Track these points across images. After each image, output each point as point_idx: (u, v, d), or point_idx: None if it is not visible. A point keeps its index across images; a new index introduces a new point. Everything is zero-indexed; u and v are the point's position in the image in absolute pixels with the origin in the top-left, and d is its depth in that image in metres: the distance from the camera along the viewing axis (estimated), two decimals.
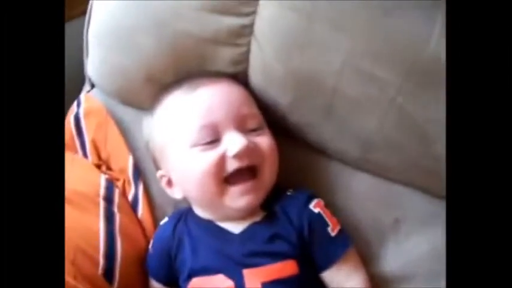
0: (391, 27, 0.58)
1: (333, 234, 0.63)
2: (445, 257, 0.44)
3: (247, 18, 0.64)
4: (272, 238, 0.62)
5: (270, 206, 0.65)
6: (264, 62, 0.66)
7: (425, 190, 0.67)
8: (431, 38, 0.57)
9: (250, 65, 0.67)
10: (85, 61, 0.83)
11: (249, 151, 0.61)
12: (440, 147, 0.61)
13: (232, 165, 0.61)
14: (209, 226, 0.66)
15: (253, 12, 0.64)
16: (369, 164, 0.68)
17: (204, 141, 0.62)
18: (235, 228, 0.64)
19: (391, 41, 0.59)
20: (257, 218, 0.65)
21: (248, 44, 0.66)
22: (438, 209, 0.65)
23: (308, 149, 0.72)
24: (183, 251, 0.65)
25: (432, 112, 0.61)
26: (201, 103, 0.63)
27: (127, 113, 0.79)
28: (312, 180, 0.70)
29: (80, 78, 0.87)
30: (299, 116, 0.68)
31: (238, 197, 0.62)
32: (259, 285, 0.60)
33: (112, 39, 0.73)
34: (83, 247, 0.63)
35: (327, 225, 0.64)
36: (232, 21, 0.64)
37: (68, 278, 0.59)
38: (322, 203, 0.65)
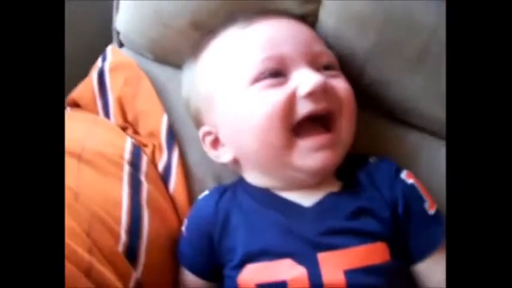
0: None
1: (431, 212, 0.49)
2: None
3: None
4: (357, 213, 0.48)
5: (348, 174, 0.51)
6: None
7: None
8: None
9: (322, 4, 0.55)
10: (114, 17, 0.71)
11: (326, 91, 0.47)
12: None
13: (304, 108, 0.47)
14: (269, 197, 0.51)
15: None
16: None
17: (267, 74, 0.48)
18: (306, 200, 0.50)
19: None
20: (334, 188, 0.50)
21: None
22: None
23: (384, 117, 0.58)
24: (231, 231, 0.50)
25: None
26: (263, 34, 0.50)
27: (162, 72, 0.66)
28: (389, 152, 0.56)
29: (103, 42, 0.76)
30: (380, 68, 0.55)
31: (310, 153, 0.47)
32: (342, 275, 0.45)
33: None
34: (101, 216, 0.49)
35: (424, 200, 0.49)
36: None
37: (82, 253, 0.44)
38: (412, 174, 0.51)
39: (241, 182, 0.54)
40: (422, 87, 0.54)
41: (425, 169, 0.56)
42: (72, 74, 0.75)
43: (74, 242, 0.44)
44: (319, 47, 0.51)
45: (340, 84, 0.50)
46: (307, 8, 0.56)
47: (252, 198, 0.51)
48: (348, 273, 0.45)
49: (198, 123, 0.56)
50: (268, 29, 0.51)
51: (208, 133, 0.54)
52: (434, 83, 0.53)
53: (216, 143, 0.53)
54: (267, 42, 0.49)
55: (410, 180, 0.50)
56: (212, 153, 0.54)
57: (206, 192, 0.56)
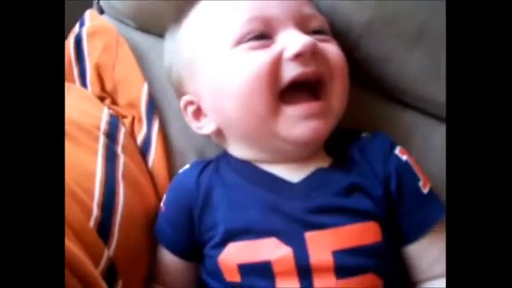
0: None
1: (425, 191, 0.46)
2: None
3: None
4: (348, 190, 0.45)
5: (339, 149, 0.48)
6: None
7: None
8: None
9: None
10: None
11: (315, 54, 0.44)
12: None
13: (291, 71, 0.43)
14: (255, 172, 0.48)
15: None
16: None
17: (252, 36, 0.44)
18: (293, 175, 0.47)
19: None
20: (324, 164, 0.47)
21: None
22: None
23: (379, 95, 0.55)
24: (212, 207, 0.47)
25: None
26: None
27: (144, 40, 0.62)
28: (383, 130, 0.53)
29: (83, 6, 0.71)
30: (376, 44, 0.52)
31: (297, 122, 0.44)
32: (330, 255, 0.42)
33: None
34: (72, 188, 0.45)
35: (418, 179, 0.46)
36: None
37: None
38: (406, 151, 0.48)
39: (224, 155, 0.51)
40: (420, 66, 0.51)
41: (420, 148, 0.53)
42: None
43: None
44: (308, 9, 0.47)
45: (332, 49, 0.46)
46: None
47: (236, 173, 0.48)
48: (336, 253, 0.42)
49: (180, 92, 0.52)
50: None
51: (190, 102, 0.50)
52: (432, 62, 0.50)
53: (198, 113, 0.50)
54: (252, 3, 0.45)
55: (405, 157, 0.47)
56: (194, 124, 0.51)
57: (187, 166, 0.52)
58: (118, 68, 0.59)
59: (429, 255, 0.45)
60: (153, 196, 0.54)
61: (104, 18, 0.66)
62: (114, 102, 0.59)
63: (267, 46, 0.44)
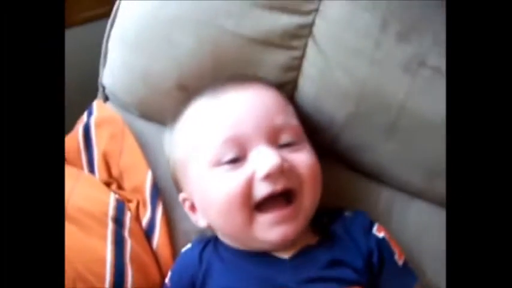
0: None
1: (400, 263, 0.53)
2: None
3: (306, 17, 0.57)
4: (333, 263, 0.51)
5: (325, 227, 0.54)
6: (322, 69, 0.58)
7: None
8: None
9: (302, 73, 0.59)
10: (101, 71, 0.74)
11: (284, 171, 0.50)
12: None
13: (262, 190, 0.49)
14: (248, 252, 0.53)
15: (315, 10, 0.57)
16: (432, 192, 0.59)
17: (227, 159, 0.51)
18: (284, 253, 0.53)
19: None
20: (311, 241, 0.53)
21: (304, 47, 0.58)
22: None
23: (358, 174, 0.62)
24: (212, 282, 0.52)
25: None
26: (224, 112, 0.53)
27: (147, 128, 0.68)
28: (362, 208, 0.60)
29: (89, 93, 0.78)
30: (355, 135, 0.59)
31: (269, 228, 0.50)
32: None
33: (141, 37, 0.64)
34: (84, 275, 0.50)
35: (393, 253, 0.53)
36: (288, 20, 0.57)
37: None
38: (383, 227, 0.55)
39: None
40: (394, 154, 0.58)
41: (397, 221, 0.60)
42: None
43: None
44: (281, 120, 0.53)
45: (301, 160, 0.52)
46: (286, 77, 0.60)
47: (232, 253, 0.54)
48: None
49: (177, 187, 0.58)
50: (231, 105, 0.53)
51: (186, 199, 0.57)
52: (405, 151, 0.57)
53: (193, 208, 0.56)
54: (228, 121, 0.52)
55: (381, 234, 0.54)
56: (191, 217, 0.57)
57: (189, 245, 0.58)
58: (124, 156, 0.64)
59: None
60: (158, 275, 0.58)
61: (110, 106, 0.73)
62: (120, 187, 0.64)
63: (240, 167, 0.50)
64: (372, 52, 0.54)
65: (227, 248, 0.55)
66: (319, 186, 0.54)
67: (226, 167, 0.51)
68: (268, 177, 0.49)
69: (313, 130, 0.59)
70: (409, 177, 0.59)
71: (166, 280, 0.56)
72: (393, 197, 0.62)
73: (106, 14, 0.75)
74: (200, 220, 0.56)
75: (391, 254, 0.53)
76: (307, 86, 0.59)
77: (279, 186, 0.49)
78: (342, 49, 0.56)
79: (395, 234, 0.58)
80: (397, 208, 0.62)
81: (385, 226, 0.57)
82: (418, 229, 0.60)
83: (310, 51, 0.58)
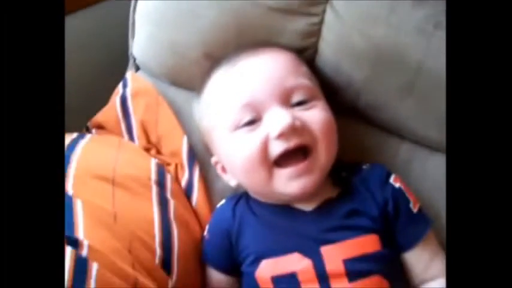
0: None
1: (415, 210, 0.58)
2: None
3: None
4: (351, 213, 0.57)
5: (345, 180, 0.60)
6: (340, 34, 0.61)
7: None
8: None
9: (322, 38, 0.62)
10: (130, 42, 0.78)
11: (296, 129, 0.54)
12: None
13: (277, 148, 0.54)
14: (275, 206, 0.59)
15: None
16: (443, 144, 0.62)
17: (244, 122, 0.56)
18: (307, 206, 0.59)
19: None
20: (332, 194, 0.59)
21: (322, 13, 0.61)
22: None
23: (378, 129, 0.66)
24: (246, 233, 0.59)
25: None
26: (238, 80, 0.57)
27: (178, 95, 0.73)
28: (383, 161, 0.64)
29: (121, 63, 0.82)
30: (374, 95, 0.62)
31: (288, 181, 0.55)
32: (341, 263, 0.54)
33: (167, 13, 0.68)
34: (139, 234, 0.57)
35: (409, 201, 0.58)
36: None
37: (127, 269, 0.52)
38: (399, 178, 0.60)
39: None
40: (412, 111, 0.61)
41: (419, 176, 0.64)
42: (90, 92, 0.83)
43: (120, 260, 0.52)
44: (292, 81, 0.56)
45: (314, 117, 0.56)
46: (306, 42, 0.63)
47: (261, 207, 0.60)
48: (346, 262, 0.54)
49: (209, 151, 0.64)
50: (245, 73, 0.57)
51: (217, 162, 0.63)
52: (423, 108, 0.61)
53: (224, 169, 0.62)
54: (243, 89, 0.57)
55: (398, 184, 0.59)
56: (224, 177, 0.63)
57: (223, 202, 0.64)
58: (160, 123, 0.70)
59: (422, 261, 0.58)
60: (199, 230, 0.65)
61: (140, 74, 0.78)
62: (158, 152, 0.70)
63: (256, 129, 0.55)
64: (387, 16, 0.57)
65: (257, 202, 0.61)
66: (334, 141, 0.58)
67: (245, 129, 0.56)
68: (281, 135, 0.54)
69: (334, 91, 0.63)
70: (427, 132, 0.62)
71: (205, 233, 0.63)
72: (413, 150, 0.65)
73: None
74: (231, 180, 0.62)
75: (407, 202, 0.58)
76: (327, 50, 0.62)
77: (292, 143, 0.54)
78: (358, 14, 0.59)
79: (414, 185, 0.63)
80: (416, 161, 0.66)
81: (404, 178, 0.62)
82: (437, 180, 0.64)
83: (328, 17, 0.60)
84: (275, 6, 0.61)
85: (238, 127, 0.56)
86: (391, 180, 0.59)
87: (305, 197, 0.57)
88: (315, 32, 0.62)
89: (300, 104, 0.56)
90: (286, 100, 0.56)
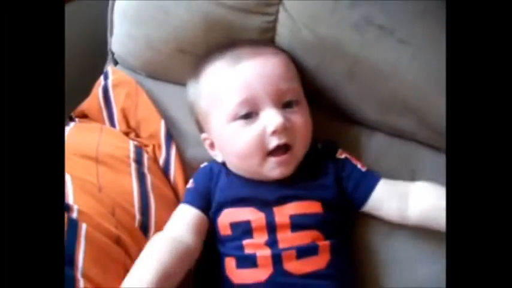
0: None
1: (363, 169, 0.71)
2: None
3: None
4: (303, 185, 0.68)
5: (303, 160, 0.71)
6: (292, 30, 0.71)
7: (435, 148, 0.73)
8: None
9: (277, 33, 0.73)
10: (109, 39, 0.87)
11: (285, 129, 0.65)
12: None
13: (273, 142, 0.65)
14: (246, 177, 0.70)
15: None
16: (385, 125, 0.74)
17: (242, 114, 0.66)
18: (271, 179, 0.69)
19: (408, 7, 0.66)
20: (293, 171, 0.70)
21: (276, 13, 0.71)
22: None
23: (336, 116, 0.77)
24: (217, 188, 0.70)
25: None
26: (241, 78, 0.66)
27: (154, 85, 0.82)
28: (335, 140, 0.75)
29: (99, 58, 0.91)
30: (325, 79, 0.73)
31: (274, 168, 0.67)
32: (287, 217, 0.66)
33: (141, 11, 0.77)
34: (120, 202, 0.67)
35: (356, 164, 0.71)
36: None
37: (111, 228, 0.62)
38: (344, 151, 0.73)
39: None
40: (356, 94, 0.72)
41: (364, 152, 0.76)
42: (71, 85, 0.91)
43: (104, 221, 0.62)
44: (285, 84, 0.67)
45: (298, 120, 0.67)
46: (266, 36, 0.73)
47: (235, 174, 0.71)
48: (292, 216, 0.66)
49: (199, 128, 0.74)
50: (247, 72, 0.66)
51: (207, 138, 0.72)
52: (364, 92, 0.71)
53: (212, 145, 0.72)
54: (243, 86, 0.66)
55: (343, 155, 0.72)
56: (211, 152, 0.73)
57: (205, 163, 0.75)
58: (139, 110, 0.79)
59: (382, 201, 0.69)
60: (174, 199, 0.74)
61: (119, 68, 0.86)
62: (137, 135, 0.80)
63: (252, 122, 0.66)
64: (328, 16, 0.68)
65: (232, 170, 0.72)
66: (309, 139, 0.70)
67: (242, 121, 0.66)
68: (275, 132, 0.65)
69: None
70: (368, 112, 0.73)
71: (189, 185, 0.73)
72: (359, 130, 0.77)
73: None
74: (218, 156, 0.72)
75: (354, 165, 0.71)
76: (282, 44, 0.73)
77: (282, 140, 0.66)
78: (306, 14, 0.69)
79: (362, 160, 0.73)
80: (362, 139, 0.77)
81: (354, 154, 0.73)
82: (379, 154, 0.75)
83: (281, 15, 0.71)
84: (236, 6, 0.71)
85: (235, 118, 0.66)
86: (338, 154, 0.72)
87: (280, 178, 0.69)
88: (271, 29, 0.72)
89: (289, 105, 0.67)
90: (278, 101, 0.66)
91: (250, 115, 0.66)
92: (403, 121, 0.72)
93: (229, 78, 0.67)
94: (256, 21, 0.72)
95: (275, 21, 0.72)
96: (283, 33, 0.72)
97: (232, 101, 0.66)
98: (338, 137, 0.76)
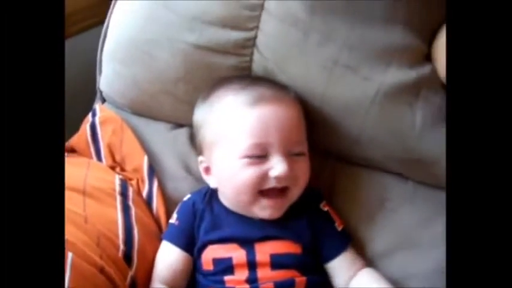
0: (370, 35, 0.72)
1: (339, 229, 0.75)
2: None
3: (250, 32, 0.76)
4: (286, 227, 0.72)
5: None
6: (265, 69, 0.77)
7: (404, 176, 0.79)
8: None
9: (252, 73, 0.79)
10: (98, 78, 0.92)
11: (288, 176, 0.69)
12: (413, 142, 0.74)
13: (270, 183, 0.70)
14: (233, 211, 0.74)
15: (256, 27, 0.75)
16: (355, 157, 0.80)
17: (252, 155, 0.69)
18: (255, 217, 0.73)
19: (371, 47, 0.72)
20: None
21: (251, 54, 0.77)
22: (417, 190, 0.77)
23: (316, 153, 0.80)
24: (202, 225, 0.74)
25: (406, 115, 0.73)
26: (259, 121, 0.70)
27: (139, 122, 0.87)
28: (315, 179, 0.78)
29: (87, 95, 0.96)
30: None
31: (265, 208, 0.71)
32: (268, 256, 0.70)
33: (128, 54, 0.83)
34: (105, 232, 0.70)
35: (334, 221, 0.75)
36: (237, 35, 0.76)
37: (96, 258, 0.65)
38: (327, 204, 0.77)
39: (215, 194, 0.77)
40: (328, 128, 0.77)
41: (340, 187, 0.81)
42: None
43: (89, 250, 0.65)
44: (296, 136, 0.72)
45: (301, 168, 0.72)
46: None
47: (220, 208, 0.75)
48: (272, 255, 0.70)
49: (198, 150, 0.77)
50: (264, 117, 0.70)
51: (203, 162, 0.76)
52: (334, 125, 0.76)
53: (207, 170, 0.76)
54: (258, 129, 0.70)
55: (326, 208, 0.76)
56: (204, 176, 0.77)
57: (189, 196, 0.78)
58: (124, 145, 0.84)
59: (345, 266, 0.73)
60: (156, 231, 0.78)
61: (106, 106, 0.91)
62: (122, 169, 0.84)
63: (260, 163, 0.69)
64: (299, 57, 0.74)
65: (218, 204, 0.75)
66: (305, 185, 0.74)
67: (249, 160, 0.69)
68: (278, 178, 0.69)
69: None
70: (340, 145, 0.79)
71: (173, 220, 0.76)
72: (334, 165, 0.82)
73: (98, 23, 0.92)
74: (211, 182, 0.75)
75: (332, 222, 0.75)
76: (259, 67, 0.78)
77: (281, 184, 0.70)
78: (278, 55, 0.76)
79: (339, 198, 0.79)
80: (336, 174, 0.82)
81: (332, 192, 0.79)
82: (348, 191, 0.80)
83: (256, 57, 0.77)
84: (214, 48, 0.77)
85: (244, 157, 0.69)
86: (321, 205, 0.76)
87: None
88: (247, 68, 0.78)
89: (297, 155, 0.71)
90: (289, 150, 0.70)
91: (259, 156, 0.69)
92: (370, 152, 0.77)
93: (247, 117, 0.70)
94: (233, 62, 0.78)
95: (250, 61, 0.78)
96: (258, 73, 0.78)
97: (246, 142, 0.69)
98: (318, 175, 0.80)
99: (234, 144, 0.70)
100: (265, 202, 0.71)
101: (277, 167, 0.69)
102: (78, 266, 0.62)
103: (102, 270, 0.64)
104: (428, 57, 0.75)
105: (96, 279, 0.63)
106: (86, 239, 0.67)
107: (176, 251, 0.74)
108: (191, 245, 0.74)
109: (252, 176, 0.69)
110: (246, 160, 0.70)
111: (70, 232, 0.66)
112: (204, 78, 0.78)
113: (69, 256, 0.62)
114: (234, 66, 0.78)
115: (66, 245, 0.63)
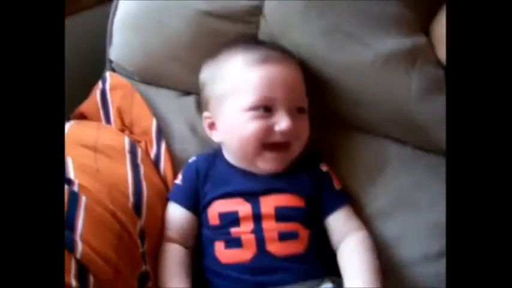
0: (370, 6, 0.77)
1: (337, 187, 0.79)
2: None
3: (259, 0, 0.81)
4: (289, 183, 0.76)
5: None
6: (271, 36, 0.82)
7: (402, 141, 0.82)
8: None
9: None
10: (107, 49, 0.95)
11: (290, 132, 0.73)
12: (409, 106, 0.78)
13: (275, 137, 0.74)
14: (237, 167, 0.78)
15: None
16: (356, 120, 0.83)
17: (260, 107, 0.73)
18: (261, 172, 0.77)
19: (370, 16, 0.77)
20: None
21: (257, 22, 0.82)
22: (415, 153, 0.81)
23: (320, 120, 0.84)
24: (207, 183, 0.77)
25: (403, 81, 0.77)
26: (267, 78, 0.74)
27: (148, 89, 0.91)
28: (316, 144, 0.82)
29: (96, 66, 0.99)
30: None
31: (269, 162, 0.75)
32: (272, 209, 0.73)
33: (138, 22, 0.87)
34: (115, 183, 0.73)
35: (333, 180, 0.79)
36: (246, 3, 0.81)
37: (107, 203, 0.68)
38: (326, 164, 0.81)
39: (220, 153, 0.80)
40: (330, 91, 0.81)
41: (342, 152, 0.84)
42: (71, 91, 0.99)
43: (101, 197, 0.68)
44: (300, 93, 0.76)
45: (302, 125, 0.76)
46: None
47: (224, 166, 0.79)
48: (277, 208, 0.73)
49: (204, 106, 0.81)
50: (272, 74, 0.74)
51: (209, 117, 0.79)
52: (337, 90, 0.80)
53: (212, 126, 0.79)
54: (265, 85, 0.74)
55: (325, 169, 0.80)
56: (208, 132, 0.80)
57: (194, 158, 0.81)
58: (134, 109, 0.87)
59: (340, 222, 0.76)
60: (163, 188, 0.81)
61: (118, 75, 0.95)
62: (131, 132, 0.87)
63: (266, 117, 0.73)
64: (302, 25, 0.78)
65: (223, 162, 0.79)
66: (305, 142, 0.78)
67: (256, 113, 0.73)
68: (282, 132, 0.73)
69: None
70: (341, 109, 0.83)
71: (178, 181, 0.79)
72: (335, 131, 0.85)
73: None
74: (215, 137, 0.79)
75: (331, 180, 0.79)
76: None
77: (284, 139, 0.74)
78: (283, 23, 0.80)
79: (341, 163, 0.82)
80: (339, 140, 0.85)
81: (335, 157, 0.82)
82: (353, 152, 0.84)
83: (262, 24, 0.82)
84: (222, 15, 0.81)
85: (251, 109, 0.73)
86: (321, 166, 0.80)
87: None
88: (254, 36, 0.82)
89: (299, 110, 0.76)
90: (293, 105, 0.75)
91: (265, 110, 0.73)
92: (370, 115, 0.81)
93: (255, 74, 0.74)
94: (241, 29, 0.82)
95: (257, 28, 0.82)
96: (264, 39, 0.82)
97: (254, 94, 0.73)
98: (321, 140, 0.83)
99: (242, 98, 0.74)
100: (268, 155, 0.74)
101: (282, 121, 0.73)
102: (91, 208, 0.65)
103: (114, 215, 0.68)
104: (425, 32, 0.80)
105: (108, 221, 0.66)
106: (98, 186, 0.70)
107: (181, 210, 0.77)
108: (195, 204, 0.77)
109: (257, 128, 0.73)
110: (253, 113, 0.73)
111: (83, 178, 0.69)
112: (212, 45, 0.82)
113: (83, 199, 0.65)
114: (242, 34, 0.82)
115: (80, 190, 0.66)
